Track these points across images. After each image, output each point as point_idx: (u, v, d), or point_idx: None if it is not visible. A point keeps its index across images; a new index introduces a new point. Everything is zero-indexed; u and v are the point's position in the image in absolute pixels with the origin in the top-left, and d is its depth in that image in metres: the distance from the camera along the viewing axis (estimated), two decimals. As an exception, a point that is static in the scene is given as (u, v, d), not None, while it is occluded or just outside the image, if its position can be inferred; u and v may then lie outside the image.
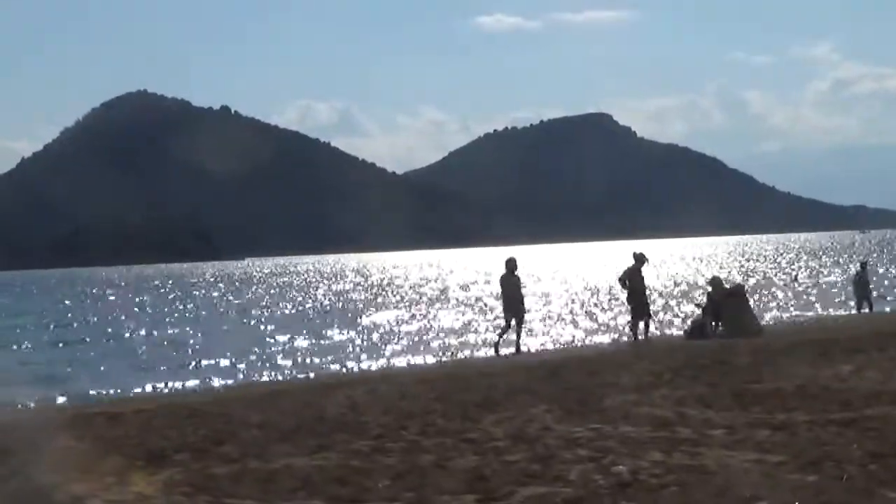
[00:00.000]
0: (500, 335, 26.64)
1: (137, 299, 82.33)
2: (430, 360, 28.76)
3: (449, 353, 30.52)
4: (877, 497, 8.43)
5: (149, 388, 25.11)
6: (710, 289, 28.20)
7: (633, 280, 26.91)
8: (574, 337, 33.52)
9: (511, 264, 26.45)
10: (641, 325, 27.22)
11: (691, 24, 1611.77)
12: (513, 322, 26.32)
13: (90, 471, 10.89)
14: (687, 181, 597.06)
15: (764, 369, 17.27)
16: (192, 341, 39.08)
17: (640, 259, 26.99)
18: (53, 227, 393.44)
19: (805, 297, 47.50)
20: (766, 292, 51.80)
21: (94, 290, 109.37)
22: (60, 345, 39.77)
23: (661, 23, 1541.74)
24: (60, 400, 22.46)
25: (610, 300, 48.97)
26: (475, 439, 11.93)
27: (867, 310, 35.05)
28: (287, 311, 56.15)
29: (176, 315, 57.35)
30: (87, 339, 41.91)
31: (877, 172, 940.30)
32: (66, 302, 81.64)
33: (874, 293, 38.85)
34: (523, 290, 26.85)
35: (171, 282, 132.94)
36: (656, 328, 29.18)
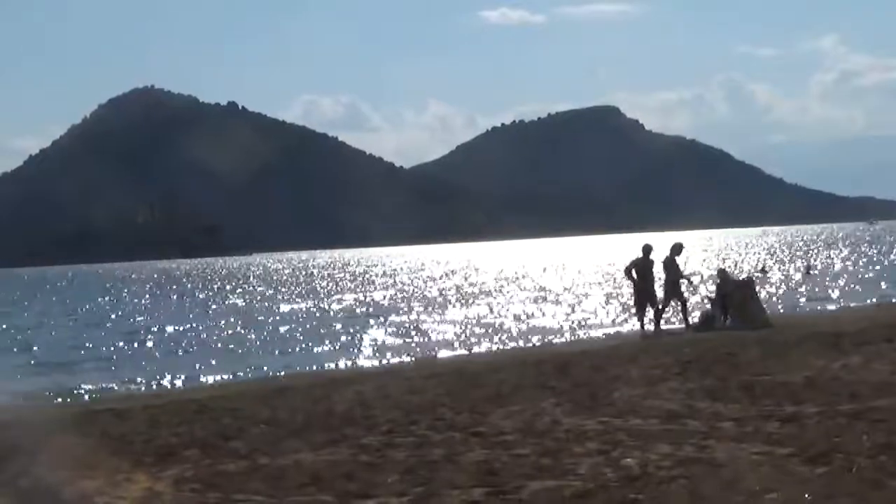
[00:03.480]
0: (661, 315, 27.48)
1: (147, 295, 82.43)
2: (440, 355, 28.72)
3: (460, 348, 30.50)
4: (887, 489, 8.42)
5: (156, 384, 25.11)
6: (718, 281, 28.16)
7: (641, 273, 26.88)
8: (583, 330, 33.47)
9: (676, 249, 27.50)
10: (649, 317, 27.18)
11: (697, 16, 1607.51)
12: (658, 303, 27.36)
13: (99, 468, 10.91)
14: (694, 174, 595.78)
15: (773, 361, 17.23)
16: (200, 336, 39.09)
17: (647, 251, 26.97)
18: (60, 225, 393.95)
19: (815, 288, 47.36)
20: (777, 284, 51.71)
21: (108, 286, 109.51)
22: (69, 341, 39.81)
23: (667, 15, 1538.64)
24: (68, 397, 22.47)
25: (618, 293, 48.91)
26: (484, 433, 11.93)
27: None
28: (296, 306, 56.18)
29: (183, 310, 57.40)
30: (96, 335, 41.97)
31: (884, 164, 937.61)
32: (73, 299, 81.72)
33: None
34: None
35: (180, 278, 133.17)
36: (664, 321, 29.07)
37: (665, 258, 27.45)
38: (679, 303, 27.66)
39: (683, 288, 27.80)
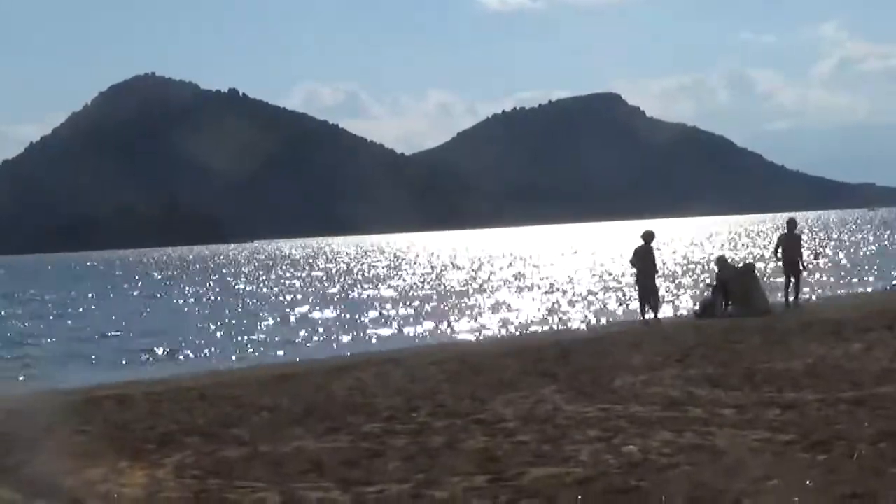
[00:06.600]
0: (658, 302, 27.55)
1: (144, 283, 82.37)
2: (441, 342, 28.71)
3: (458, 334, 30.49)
4: (887, 476, 8.41)
5: (157, 371, 25.08)
6: (717, 269, 28.13)
7: (642, 260, 26.81)
8: (584, 318, 33.46)
9: (793, 224, 28.19)
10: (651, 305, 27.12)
11: (698, 3, 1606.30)
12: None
13: (101, 456, 10.91)
14: (696, 161, 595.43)
15: (774, 349, 17.25)
16: (200, 324, 39.05)
17: (648, 238, 26.87)
18: (61, 213, 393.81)
19: (819, 275, 47.26)
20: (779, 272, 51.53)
21: (115, 274, 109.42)
22: (67, 328, 39.82)
23: (669, 2, 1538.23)
24: (69, 384, 22.44)
25: (619, 280, 48.90)
26: (485, 420, 11.94)
27: None
28: (294, 293, 56.19)
29: (184, 298, 57.40)
30: (94, 323, 41.98)
31: (884, 150, 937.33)
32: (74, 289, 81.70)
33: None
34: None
35: (182, 265, 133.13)
36: (665, 308, 29.12)
37: (784, 235, 27.93)
38: (794, 279, 27.65)
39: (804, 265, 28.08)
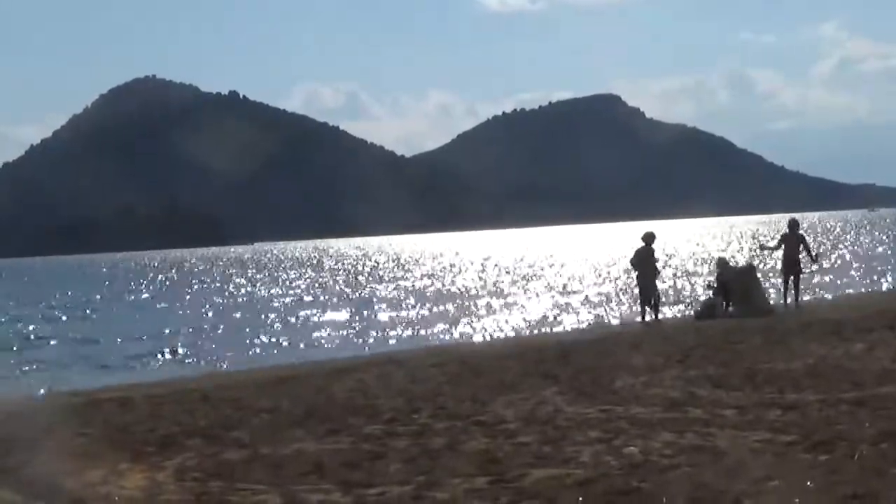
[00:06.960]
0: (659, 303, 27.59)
1: (146, 284, 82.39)
2: (442, 343, 28.70)
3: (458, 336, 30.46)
4: (889, 476, 8.41)
5: (158, 373, 25.08)
6: (718, 270, 28.12)
7: (642, 261, 26.81)
8: (585, 319, 33.44)
9: (794, 224, 28.16)
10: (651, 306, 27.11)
11: (698, 4, 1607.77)
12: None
13: (102, 458, 10.91)
14: (696, 161, 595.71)
15: (775, 349, 17.23)
16: (202, 325, 39.03)
17: (649, 240, 26.86)
18: (62, 215, 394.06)
19: (820, 276, 47.25)
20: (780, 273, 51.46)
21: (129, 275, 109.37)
22: (69, 330, 39.79)
23: (668, 2, 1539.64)
24: (71, 386, 22.44)
25: (620, 281, 48.89)
26: (486, 422, 11.93)
27: None
28: (296, 295, 56.17)
29: (185, 300, 57.37)
30: (94, 324, 41.97)
31: (884, 150, 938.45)
32: (71, 290, 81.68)
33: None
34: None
35: (184, 267, 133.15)
36: (665, 309, 29.03)
37: (785, 234, 27.86)
38: (794, 279, 27.61)
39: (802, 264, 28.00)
